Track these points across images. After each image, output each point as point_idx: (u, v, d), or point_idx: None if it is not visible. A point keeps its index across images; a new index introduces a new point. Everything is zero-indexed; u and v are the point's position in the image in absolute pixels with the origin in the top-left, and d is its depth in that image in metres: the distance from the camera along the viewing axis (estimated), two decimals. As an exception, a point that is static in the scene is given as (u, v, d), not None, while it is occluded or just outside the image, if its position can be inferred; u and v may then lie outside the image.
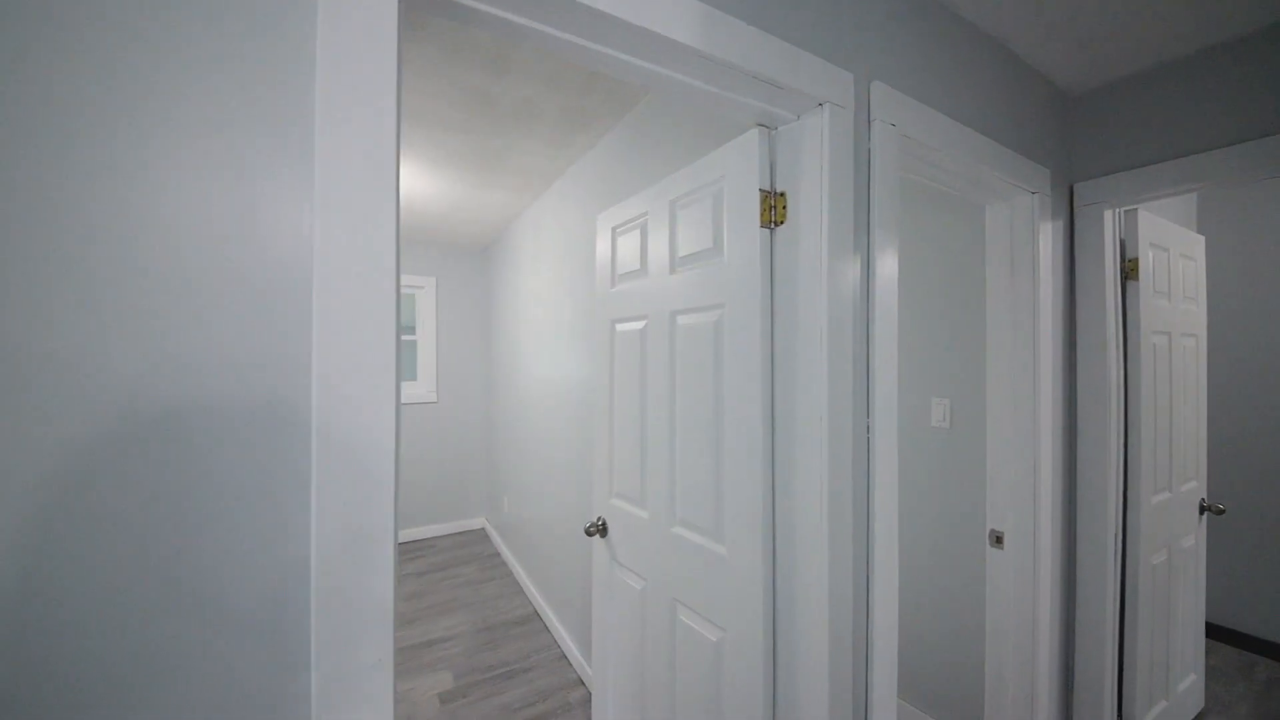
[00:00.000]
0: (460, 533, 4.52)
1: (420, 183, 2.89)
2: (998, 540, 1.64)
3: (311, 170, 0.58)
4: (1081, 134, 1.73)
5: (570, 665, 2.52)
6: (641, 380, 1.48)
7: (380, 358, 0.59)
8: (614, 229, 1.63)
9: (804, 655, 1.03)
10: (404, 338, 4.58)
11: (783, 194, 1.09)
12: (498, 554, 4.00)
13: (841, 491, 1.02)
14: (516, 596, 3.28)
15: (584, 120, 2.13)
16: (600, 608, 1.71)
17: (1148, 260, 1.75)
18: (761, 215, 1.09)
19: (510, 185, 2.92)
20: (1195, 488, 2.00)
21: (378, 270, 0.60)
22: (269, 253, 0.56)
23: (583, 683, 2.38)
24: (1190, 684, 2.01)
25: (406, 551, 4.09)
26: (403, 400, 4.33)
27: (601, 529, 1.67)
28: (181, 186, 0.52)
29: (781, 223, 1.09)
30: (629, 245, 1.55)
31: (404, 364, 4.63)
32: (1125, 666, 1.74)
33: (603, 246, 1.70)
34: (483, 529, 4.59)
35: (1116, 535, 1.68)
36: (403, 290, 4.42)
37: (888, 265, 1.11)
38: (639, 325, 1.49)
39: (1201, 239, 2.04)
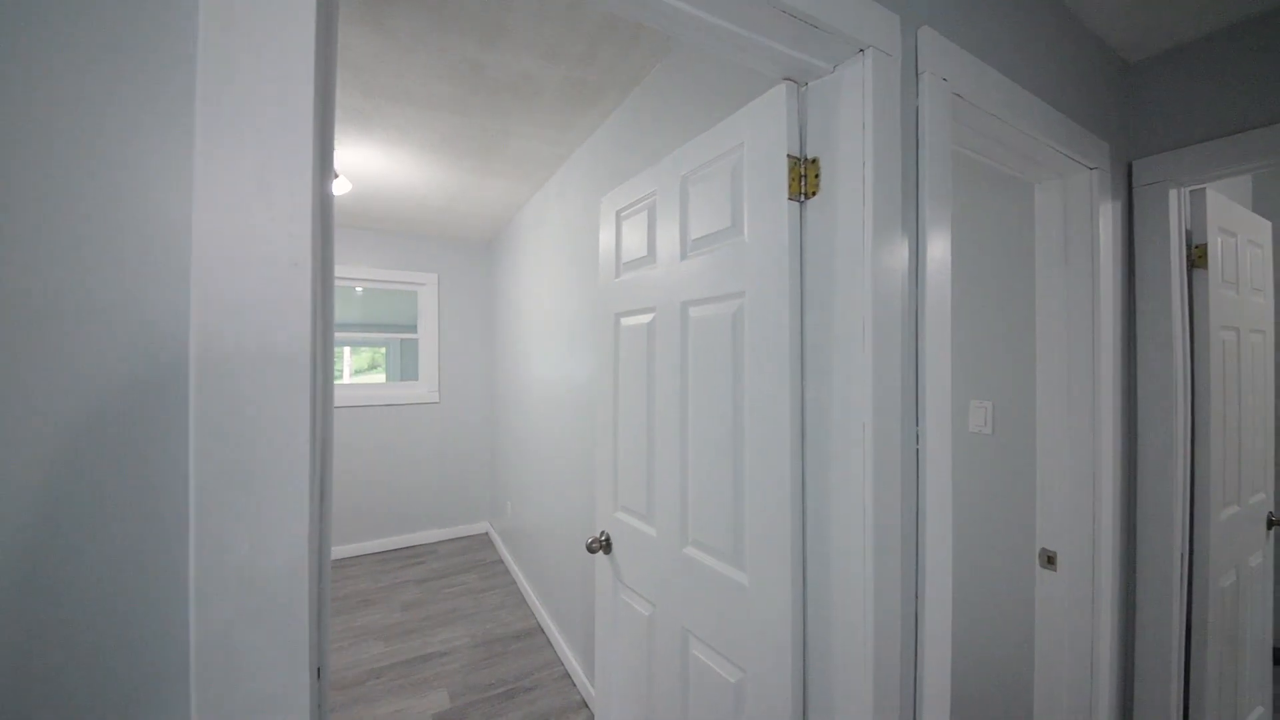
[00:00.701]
0: (462, 538, 4.38)
1: (418, 172, 2.74)
2: (1049, 560, 1.45)
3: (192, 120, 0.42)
4: (1141, 105, 1.54)
5: (574, 685, 2.36)
6: (649, 380, 1.32)
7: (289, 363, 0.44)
8: (619, 212, 1.47)
9: (842, 712, 0.86)
10: (405, 336, 4.45)
11: (815, 160, 0.92)
12: (500, 561, 3.85)
13: (888, 513, 0.85)
14: (519, 608, 3.12)
15: (586, 97, 1.97)
16: (604, 632, 1.54)
17: (1216, 246, 1.56)
18: (790, 186, 0.92)
19: (512, 173, 2.77)
20: (1263, 500, 1.81)
21: (283, 247, 0.44)
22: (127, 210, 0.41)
23: (586, 705, 2.22)
24: (1258, 717, 1.82)
25: (406, 557, 3.95)
26: (404, 401, 4.20)
27: (605, 545, 1.51)
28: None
29: (814, 194, 0.92)
30: (635, 229, 1.39)
31: (406, 364, 4.50)
32: (1191, 702, 1.55)
33: (606, 233, 1.53)
34: (486, 534, 4.45)
35: (1183, 555, 1.49)
36: (402, 287, 4.28)
37: (940, 244, 0.94)
38: (646, 319, 1.33)
39: (1269, 224, 1.84)
